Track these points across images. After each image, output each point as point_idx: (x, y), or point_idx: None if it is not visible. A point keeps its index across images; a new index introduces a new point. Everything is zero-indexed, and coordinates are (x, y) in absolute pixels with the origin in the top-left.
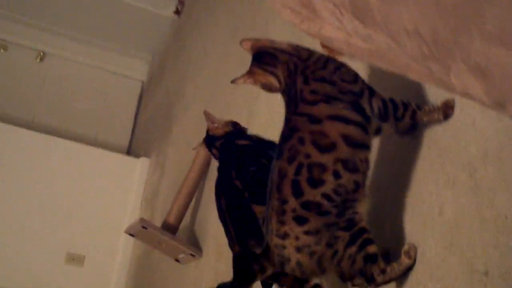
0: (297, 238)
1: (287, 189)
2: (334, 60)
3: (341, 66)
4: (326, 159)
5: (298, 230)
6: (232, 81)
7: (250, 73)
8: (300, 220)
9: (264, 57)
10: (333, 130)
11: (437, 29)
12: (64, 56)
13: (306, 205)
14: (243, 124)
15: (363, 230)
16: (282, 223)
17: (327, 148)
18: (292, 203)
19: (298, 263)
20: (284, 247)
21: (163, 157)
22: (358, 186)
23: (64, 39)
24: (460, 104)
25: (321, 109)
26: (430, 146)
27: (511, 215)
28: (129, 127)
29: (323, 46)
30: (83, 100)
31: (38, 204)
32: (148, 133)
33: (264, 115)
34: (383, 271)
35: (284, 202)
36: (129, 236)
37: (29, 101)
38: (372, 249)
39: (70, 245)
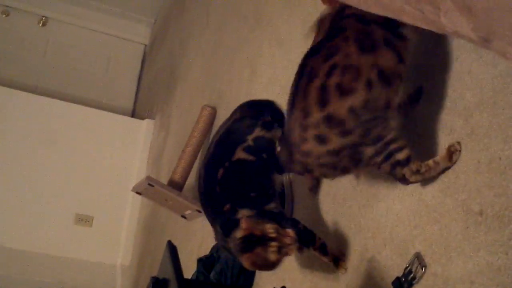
0: (319, 157)
1: (313, 95)
2: None
3: None
4: (364, 61)
5: (320, 150)
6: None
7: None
8: (321, 140)
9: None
10: (379, 33)
11: None
12: (67, 20)
13: (329, 120)
14: (245, 82)
15: (392, 141)
16: (304, 140)
17: (369, 48)
18: (316, 115)
19: (322, 174)
20: (307, 163)
21: (167, 118)
22: (388, 104)
23: (66, 3)
24: (456, 54)
25: (368, 14)
26: (427, 94)
27: (505, 156)
28: (133, 90)
29: (323, 0)
30: (87, 64)
31: (46, 167)
32: (152, 95)
33: (267, 73)
34: (416, 172)
35: (307, 114)
36: (136, 196)
37: (32, 66)
38: (401, 155)
39: (78, 206)
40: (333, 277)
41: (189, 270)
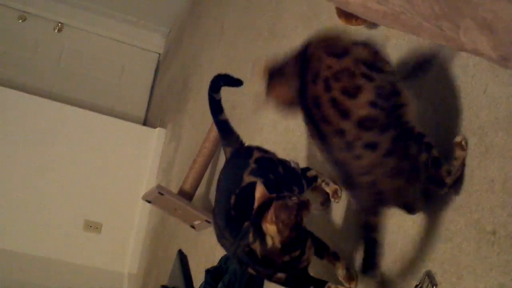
0: (381, 164)
1: (332, 115)
2: None
3: None
4: (347, 62)
5: (377, 156)
6: None
7: None
8: (371, 146)
9: None
10: (344, 42)
11: None
12: (82, 27)
13: (362, 124)
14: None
15: (422, 134)
16: (358, 157)
17: (342, 53)
18: (350, 129)
19: (394, 190)
20: (376, 180)
21: (179, 128)
22: (395, 88)
23: (82, 10)
24: (472, 71)
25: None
26: (441, 112)
27: None
28: (146, 98)
29: (339, 15)
30: (100, 71)
31: (57, 173)
32: (164, 104)
33: None
34: (449, 172)
35: (342, 134)
36: (146, 205)
37: (47, 72)
38: (435, 152)
39: (88, 213)
40: None
41: (197, 281)
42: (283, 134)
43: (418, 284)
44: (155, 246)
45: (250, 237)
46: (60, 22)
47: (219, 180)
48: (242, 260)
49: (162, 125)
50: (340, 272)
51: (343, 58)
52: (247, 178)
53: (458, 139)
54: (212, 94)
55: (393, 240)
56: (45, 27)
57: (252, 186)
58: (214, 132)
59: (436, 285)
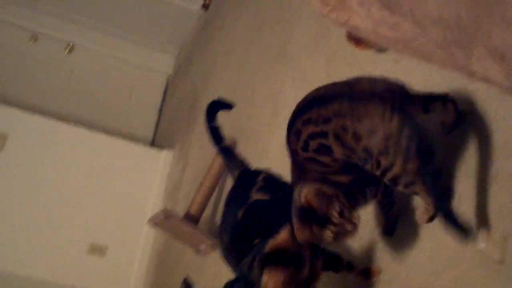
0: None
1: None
2: None
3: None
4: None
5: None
6: None
7: None
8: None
9: None
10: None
11: (461, 15)
12: (92, 48)
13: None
14: (266, 118)
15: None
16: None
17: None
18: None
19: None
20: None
21: (187, 150)
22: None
23: (92, 31)
24: (482, 97)
25: None
26: (452, 137)
27: None
28: (154, 119)
29: (349, 38)
30: (109, 92)
31: (62, 195)
32: (172, 126)
33: (289, 108)
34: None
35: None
36: (151, 228)
37: (56, 92)
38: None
39: (93, 236)
40: None
41: None
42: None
43: None
44: (159, 270)
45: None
46: (71, 43)
47: (226, 198)
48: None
49: (170, 146)
50: (359, 279)
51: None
52: (255, 195)
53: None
54: (210, 123)
55: (398, 268)
56: (56, 47)
57: (259, 203)
58: None
59: None
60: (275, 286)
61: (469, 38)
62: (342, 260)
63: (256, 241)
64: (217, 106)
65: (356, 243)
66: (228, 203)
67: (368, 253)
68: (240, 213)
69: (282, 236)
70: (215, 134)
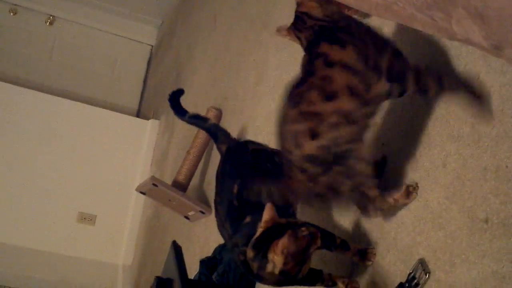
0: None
1: (289, 140)
2: (363, 24)
3: (369, 27)
4: (327, 108)
5: (303, 178)
6: (277, 30)
7: (288, 30)
8: (303, 172)
9: (296, 21)
10: (340, 77)
11: None
12: (74, 20)
13: (308, 158)
14: (251, 86)
15: (366, 178)
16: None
17: (329, 97)
18: (296, 154)
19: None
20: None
21: (172, 119)
22: (355, 138)
23: (73, 3)
24: (465, 61)
25: (336, 52)
26: (435, 101)
27: None
28: (139, 90)
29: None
30: (93, 64)
31: (50, 165)
32: (158, 96)
33: (273, 78)
34: (379, 209)
35: (290, 153)
36: (140, 196)
37: (39, 65)
38: (372, 193)
39: (81, 205)
40: None
41: (191, 271)
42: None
43: (411, 272)
44: (149, 238)
45: (249, 252)
46: (51, 15)
47: (218, 173)
48: (235, 260)
49: (156, 116)
50: (354, 259)
51: (327, 102)
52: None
53: (409, 187)
54: (184, 118)
55: (386, 229)
56: (37, 20)
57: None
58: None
59: (429, 273)
60: (282, 259)
61: (448, 0)
62: (336, 238)
63: (247, 219)
64: (175, 97)
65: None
66: (220, 180)
67: (356, 216)
68: (235, 188)
69: (266, 215)
70: (196, 119)
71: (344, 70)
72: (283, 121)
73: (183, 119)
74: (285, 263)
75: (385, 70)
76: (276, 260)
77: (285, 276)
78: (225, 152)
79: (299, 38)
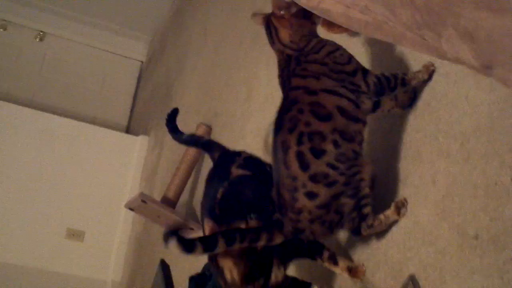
0: (310, 212)
1: (294, 164)
2: (331, 45)
3: (336, 49)
4: (324, 127)
5: (310, 205)
6: (253, 15)
7: (263, 18)
8: (311, 196)
9: (268, 34)
10: (329, 101)
11: None
12: (64, 36)
13: (314, 177)
14: (241, 103)
15: (364, 196)
16: (295, 200)
17: (325, 117)
18: (302, 178)
19: (312, 232)
20: (299, 221)
21: (162, 135)
22: (356, 155)
23: (63, 19)
24: (454, 78)
25: (313, 83)
26: (424, 118)
27: (501, 181)
28: (128, 106)
29: (322, 23)
30: (83, 80)
31: (39, 182)
32: (147, 112)
33: (263, 92)
34: (370, 226)
35: (294, 178)
36: (129, 212)
37: (29, 81)
38: (366, 210)
39: (70, 221)
40: None
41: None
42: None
43: None
44: (138, 254)
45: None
46: (41, 31)
47: (207, 176)
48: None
49: (145, 132)
50: (344, 274)
51: (323, 122)
52: (235, 171)
53: (398, 202)
54: (181, 139)
55: (376, 245)
56: (27, 36)
57: (241, 179)
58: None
59: None
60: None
61: (438, 19)
62: (324, 249)
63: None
64: (171, 119)
65: None
66: (209, 181)
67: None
68: (219, 193)
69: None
70: (190, 139)
71: (328, 94)
72: (282, 149)
73: (180, 141)
74: (235, 264)
75: (365, 87)
76: (225, 264)
77: (249, 281)
78: (218, 157)
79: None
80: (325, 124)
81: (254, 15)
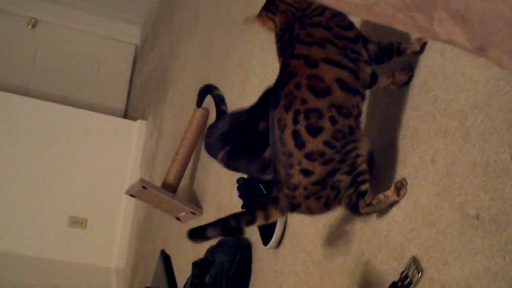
0: (305, 188)
1: (289, 142)
2: (332, 9)
3: (338, 14)
4: (322, 104)
5: (306, 181)
6: (245, 20)
7: (258, 16)
8: (306, 173)
9: (269, 4)
10: (328, 73)
11: None
12: (56, 22)
13: (310, 155)
14: (236, 85)
15: (361, 173)
16: (290, 176)
17: (323, 92)
18: (297, 155)
19: (308, 208)
20: (294, 197)
21: (160, 119)
22: (352, 129)
23: (55, 4)
24: (450, 55)
25: (317, 52)
26: (421, 96)
27: (500, 160)
28: (125, 91)
29: None
30: (77, 66)
31: (39, 170)
32: (144, 96)
33: (259, 74)
34: (369, 204)
35: (289, 155)
36: (131, 198)
37: (23, 68)
38: (364, 187)
39: (72, 209)
40: (329, 282)
41: (184, 273)
42: None
43: (404, 271)
44: (141, 240)
45: None
46: (33, 18)
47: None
48: None
49: (143, 117)
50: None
51: (320, 98)
52: None
53: (398, 183)
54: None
55: (377, 227)
56: (19, 23)
57: None
58: (196, 122)
59: (422, 271)
60: None
61: (428, 1)
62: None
63: None
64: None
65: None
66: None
67: (346, 215)
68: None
69: None
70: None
71: (329, 65)
72: (279, 126)
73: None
74: None
75: (366, 54)
76: None
77: None
78: None
79: (272, 20)
80: (322, 100)
81: (246, 20)
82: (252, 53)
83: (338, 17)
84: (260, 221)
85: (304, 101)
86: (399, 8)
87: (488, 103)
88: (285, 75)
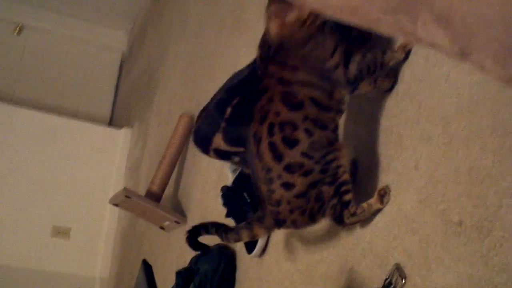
0: (289, 202)
1: (267, 155)
2: (316, 36)
3: (320, 42)
4: (295, 116)
5: (288, 195)
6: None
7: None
8: (288, 186)
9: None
10: (301, 92)
11: None
12: (42, 28)
13: (289, 168)
14: None
15: (344, 183)
16: (272, 191)
17: (296, 106)
18: (276, 169)
19: (293, 222)
20: (278, 212)
21: (145, 127)
22: (331, 141)
23: (41, 10)
24: (434, 60)
25: (289, 75)
26: (405, 102)
27: (483, 166)
28: (110, 97)
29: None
30: (63, 72)
31: (22, 179)
32: (130, 103)
33: None
34: (353, 214)
35: (268, 170)
36: (114, 208)
37: (8, 75)
38: (347, 197)
39: (55, 219)
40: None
41: (168, 282)
42: None
43: (388, 278)
44: (125, 249)
45: None
46: (19, 24)
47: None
48: None
49: (128, 124)
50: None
51: (294, 111)
52: None
53: (381, 191)
54: None
55: (361, 234)
56: (4, 29)
57: None
58: (181, 129)
59: (405, 278)
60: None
61: (412, 4)
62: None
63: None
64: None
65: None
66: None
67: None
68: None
69: None
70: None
71: (303, 86)
72: (254, 141)
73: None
74: None
75: (344, 80)
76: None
77: None
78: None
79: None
80: (296, 113)
81: None
82: (238, 58)
83: (318, 49)
84: (245, 239)
85: (277, 113)
86: (383, 11)
87: (472, 109)
88: (258, 91)
